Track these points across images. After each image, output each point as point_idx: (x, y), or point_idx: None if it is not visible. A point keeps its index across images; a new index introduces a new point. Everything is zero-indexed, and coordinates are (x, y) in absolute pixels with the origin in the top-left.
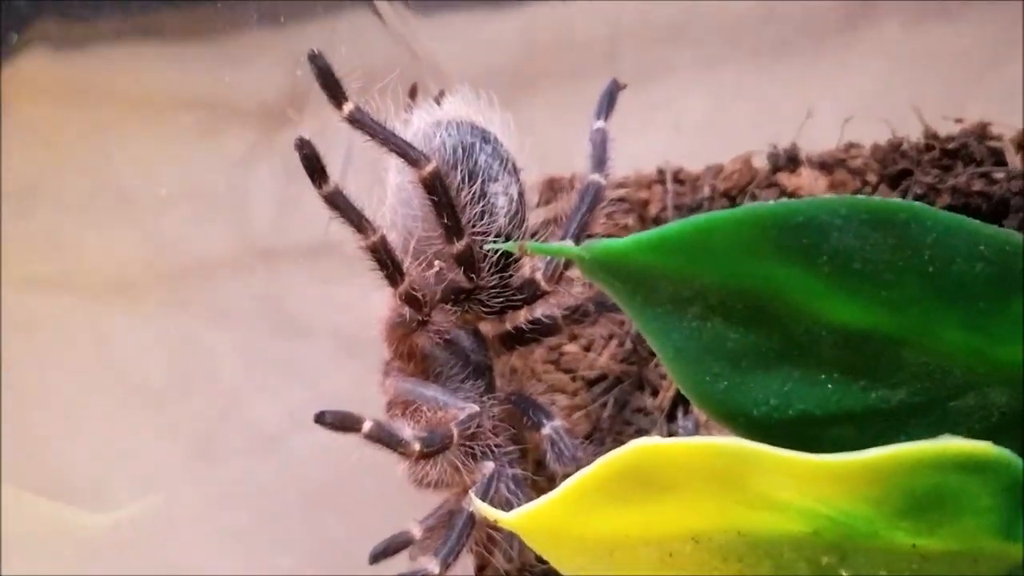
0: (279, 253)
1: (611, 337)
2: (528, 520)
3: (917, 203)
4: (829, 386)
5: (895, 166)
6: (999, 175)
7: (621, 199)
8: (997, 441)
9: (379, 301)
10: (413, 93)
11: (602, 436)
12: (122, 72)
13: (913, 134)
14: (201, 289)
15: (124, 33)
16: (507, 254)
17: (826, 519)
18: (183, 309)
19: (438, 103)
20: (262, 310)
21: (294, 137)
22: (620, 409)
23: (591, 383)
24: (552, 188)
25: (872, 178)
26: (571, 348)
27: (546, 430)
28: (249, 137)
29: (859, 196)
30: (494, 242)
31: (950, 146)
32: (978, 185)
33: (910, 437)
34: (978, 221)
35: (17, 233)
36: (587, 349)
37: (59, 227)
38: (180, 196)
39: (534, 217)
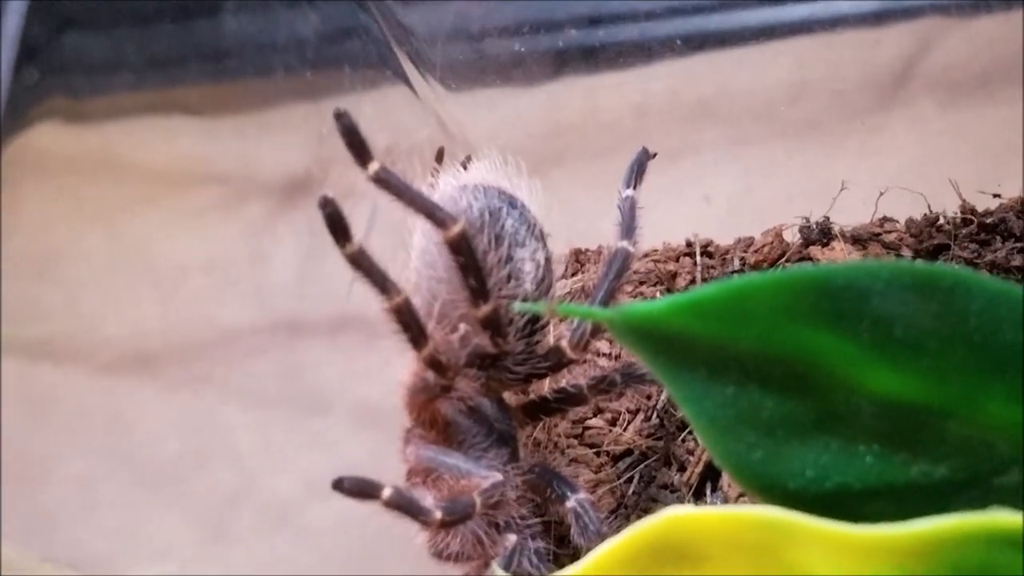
0: (299, 325)
1: (637, 411)
2: None
3: (962, 269)
4: (868, 458)
5: (931, 240)
6: None
7: (649, 271)
8: None
9: (401, 367)
10: (440, 157)
11: (627, 512)
12: (143, 145)
13: (949, 209)
14: (219, 361)
15: (145, 107)
16: (534, 320)
17: None
18: (201, 381)
19: (464, 168)
20: (281, 382)
21: (317, 200)
22: (646, 485)
23: (616, 458)
24: (578, 260)
25: (907, 252)
26: (596, 422)
27: (571, 503)
28: (271, 209)
29: (901, 261)
30: (521, 305)
31: (988, 220)
32: (1018, 260)
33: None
34: None
35: (34, 305)
36: (612, 423)
37: (76, 299)
38: (200, 268)
39: (561, 287)
